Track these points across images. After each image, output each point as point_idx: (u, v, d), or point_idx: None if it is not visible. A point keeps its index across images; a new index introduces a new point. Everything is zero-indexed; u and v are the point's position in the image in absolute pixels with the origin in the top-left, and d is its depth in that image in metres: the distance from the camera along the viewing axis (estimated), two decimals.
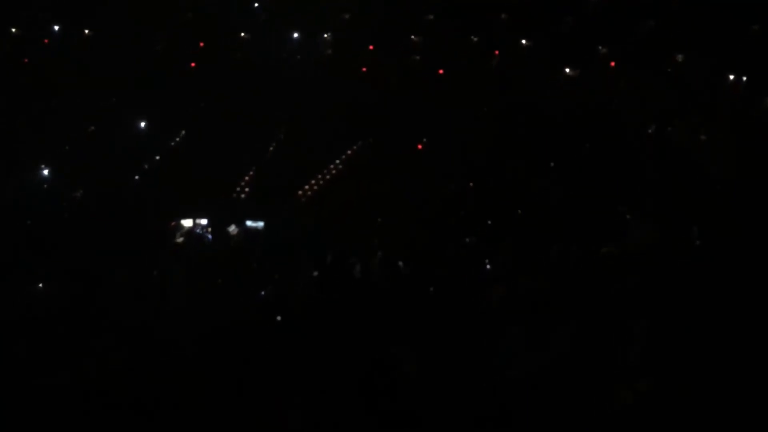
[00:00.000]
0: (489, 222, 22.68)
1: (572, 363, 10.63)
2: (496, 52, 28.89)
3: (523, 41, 28.67)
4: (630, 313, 11.68)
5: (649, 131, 25.93)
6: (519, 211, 22.67)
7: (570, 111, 25.84)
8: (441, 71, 28.73)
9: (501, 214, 22.86)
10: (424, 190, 24.16)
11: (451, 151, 26.00)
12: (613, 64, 27.58)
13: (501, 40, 28.79)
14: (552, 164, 24.90)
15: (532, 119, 25.84)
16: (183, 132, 27.69)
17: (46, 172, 25.84)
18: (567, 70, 27.80)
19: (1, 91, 28.06)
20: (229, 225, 24.15)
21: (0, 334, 15.93)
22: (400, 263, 18.30)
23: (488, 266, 19.02)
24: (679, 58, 27.15)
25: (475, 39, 29.03)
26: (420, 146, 27.32)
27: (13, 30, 28.88)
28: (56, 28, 28.92)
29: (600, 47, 27.80)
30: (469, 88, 27.72)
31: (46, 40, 28.96)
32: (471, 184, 25.20)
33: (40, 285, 19.09)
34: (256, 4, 29.26)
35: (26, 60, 28.86)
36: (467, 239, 20.97)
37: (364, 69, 28.72)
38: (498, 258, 18.97)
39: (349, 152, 27.13)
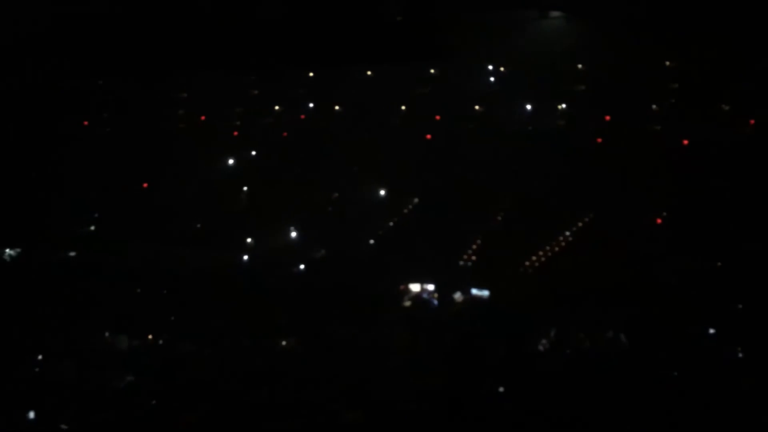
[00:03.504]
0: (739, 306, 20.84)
1: None
2: (752, 122, 26.81)
3: None
4: None
5: None
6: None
7: None
8: (685, 142, 27.21)
9: (746, 294, 20.95)
10: (658, 266, 22.84)
11: (692, 226, 24.38)
12: None
13: (755, 108, 26.73)
14: None
15: None
16: (416, 200, 28.71)
17: (294, 234, 28.08)
18: None
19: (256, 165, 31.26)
20: (454, 292, 24.52)
21: (225, 383, 17.39)
22: (623, 337, 17.42)
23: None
24: None
25: (726, 108, 27.22)
26: (659, 221, 25.91)
27: (277, 107, 32.02)
28: (311, 105, 31.70)
29: None
30: (714, 159, 25.97)
31: (303, 116, 31.75)
32: (719, 263, 23.31)
33: (267, 339, 20.57)
34: (491, 78, 29.87)
35: (285, 134, 31.70)
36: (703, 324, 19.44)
37: (599, 140, 28.01)
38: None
39: (579, 224, 26.39)
